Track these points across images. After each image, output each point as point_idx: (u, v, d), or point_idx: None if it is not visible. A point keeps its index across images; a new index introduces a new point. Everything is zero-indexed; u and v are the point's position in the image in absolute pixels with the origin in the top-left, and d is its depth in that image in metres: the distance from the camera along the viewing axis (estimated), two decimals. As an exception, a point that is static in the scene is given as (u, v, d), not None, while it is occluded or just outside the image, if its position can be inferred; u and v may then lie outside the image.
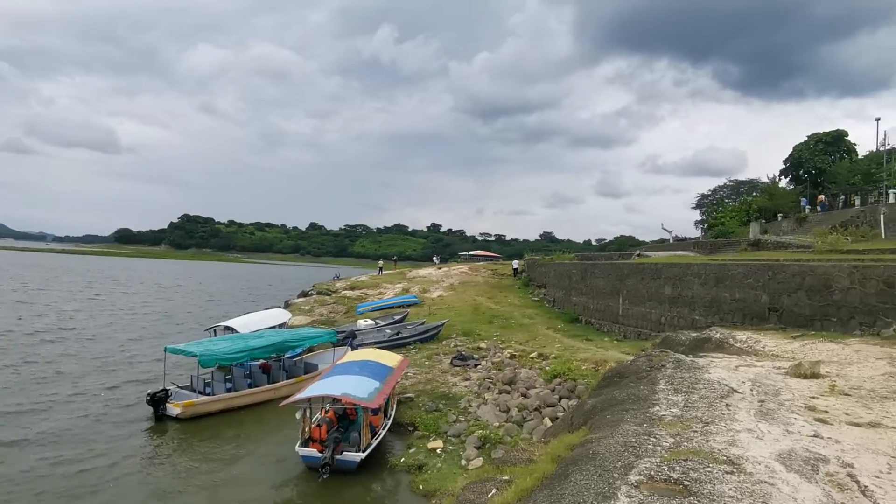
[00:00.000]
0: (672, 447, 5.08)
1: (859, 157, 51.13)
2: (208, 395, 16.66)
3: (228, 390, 17.11)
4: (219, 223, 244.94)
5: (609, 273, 27.39)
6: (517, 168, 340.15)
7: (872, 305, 13.48)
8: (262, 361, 18.72)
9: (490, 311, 31.38)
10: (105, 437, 14.09)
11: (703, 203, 72.47)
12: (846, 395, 7.21)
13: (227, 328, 23.72)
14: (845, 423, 5.94)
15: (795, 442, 5.20)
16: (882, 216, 30.47)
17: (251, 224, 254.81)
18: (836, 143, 52.78)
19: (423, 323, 27.38)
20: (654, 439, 5.35)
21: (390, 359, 16.05)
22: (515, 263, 46.69)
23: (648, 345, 15.37)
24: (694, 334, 14.18)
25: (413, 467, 12.38)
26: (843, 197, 41.30)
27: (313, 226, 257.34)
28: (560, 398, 15.71)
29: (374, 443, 12.82)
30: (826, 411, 6.40)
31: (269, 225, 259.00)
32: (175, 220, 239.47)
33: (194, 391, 16.94)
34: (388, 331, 26.00)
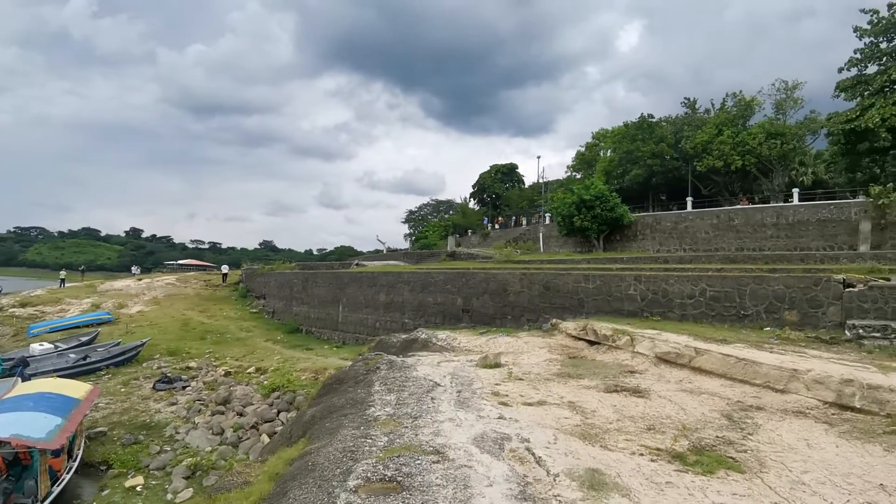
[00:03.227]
0: (386, 446, 5.34)
1: (526, 186, 63.83)
2: None
3: None
4: None
5: (330, 282, 27.90)
6: (235, 171, 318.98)
7: (536, 305, 16.81)
8: None
9: (202, 325, 29.27)
10: None
11: (411, 218, 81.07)
12: (520, 379, 8.74)
13: None
14: (521, 403, 7.18)
15: (486, 425, 6.04)
16: (541, 234, 38.62)
17: None
18: (510, 173, 65.01)
19: (118, 344, 23.99)
20: (371, 440, 5.54)
21: (75, 389, 13.95)
22: (225, 269, 46.34)
23: (365, 349, 16.07)
24: (404, 336, 15.41)
25: (108, 511, 10.73)
26: (514, 218, 50.84)
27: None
28: (279, 412, 15.56)
29: (57, 490, 10.96)
30: (507, 395, 7.62)
31: None
32: None
33: None
34: (72, 355, 22.25)
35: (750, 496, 4.36)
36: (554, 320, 14.48)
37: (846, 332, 10.38)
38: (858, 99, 29.17)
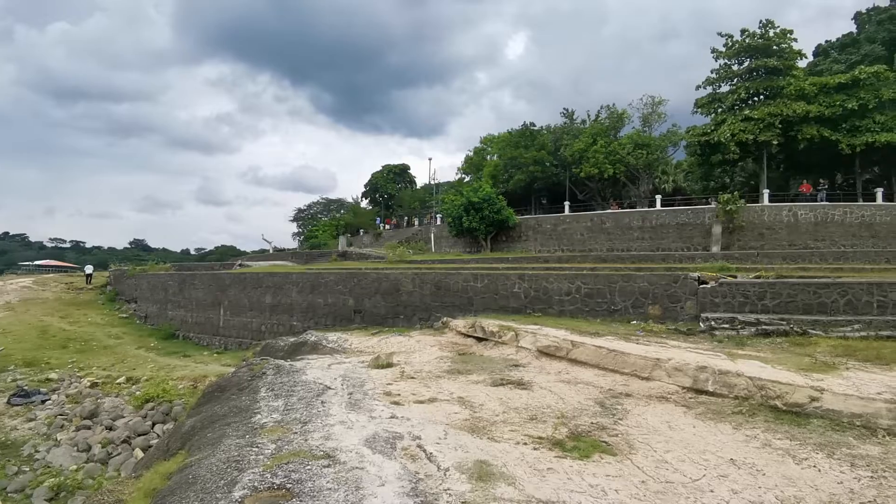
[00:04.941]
0: (274, 453, 5.15)
1: (418, 187, 64.51)
2: None
3: None
4: None
5: (210, 284, 26.26)
6: (102, 163, 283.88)
7: (428, 304, 17.05)
8: None
9: (64, 332, 26.60)
10: None
11: (300, 216, 78.44)
12: (412, 378, 8.84)
13: None
14: (413, 401, 7.26)
15: (378, 425, 6.04)
16: (433, 234, 39.21)
17: None
18: (402, 174, 65.34)
19: None
20: (257, 449, 5.33)
21: None
22: (88, 269, 43.17)
23: (249, 354, 15.36)
24: (292, 339, 14.92)
25: (-42, 542, 9.60)
26: (406, 218, 51.19)
27: None
28: (154, 424, 14.80)
29: None
30: (399, 394, 7.68)
31: None
32: None
33: None
34: None
35: (621, 476, 4.78)
36: (445, 319, 14.78)
37: (700, 324, 11.68)
38: (713, 115, 32.97)
